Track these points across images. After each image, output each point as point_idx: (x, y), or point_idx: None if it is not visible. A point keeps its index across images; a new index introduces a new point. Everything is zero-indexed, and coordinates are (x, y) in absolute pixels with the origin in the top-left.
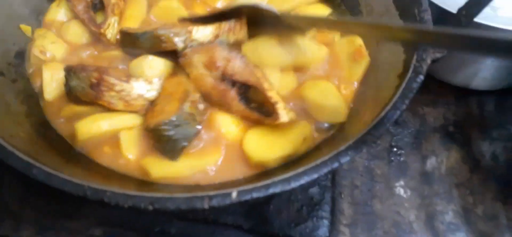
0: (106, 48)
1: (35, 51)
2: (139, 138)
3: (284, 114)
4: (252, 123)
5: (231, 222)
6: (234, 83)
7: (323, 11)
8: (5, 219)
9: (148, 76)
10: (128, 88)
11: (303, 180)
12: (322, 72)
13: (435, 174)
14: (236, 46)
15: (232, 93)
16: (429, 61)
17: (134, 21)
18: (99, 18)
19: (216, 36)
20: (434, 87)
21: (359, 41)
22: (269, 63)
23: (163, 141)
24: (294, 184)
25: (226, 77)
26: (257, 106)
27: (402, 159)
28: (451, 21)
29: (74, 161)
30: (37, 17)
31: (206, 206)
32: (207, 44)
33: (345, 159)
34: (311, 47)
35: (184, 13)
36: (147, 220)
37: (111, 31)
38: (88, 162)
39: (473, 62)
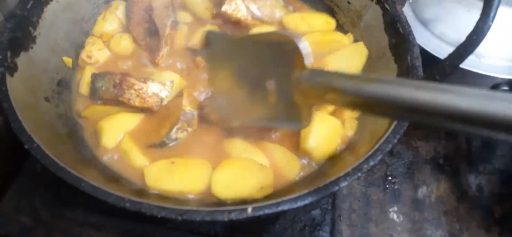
0: (144, 64)
1: (83, 54)
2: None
3: None
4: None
5: None
6: None
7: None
8: (37, 228)
9: (163, 80)
10: (145, 87)
11: (308, 200)
12: None
13: (425, 201)
14: None
15: None
16: None
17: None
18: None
19: None
20: None
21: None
22: None
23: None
24: (300, 203)
25: None
26: None
27: (396, 187)
28: (439, 67)
29: (109, 178)
30: (76, 50)
31: (226, 218)
32: None
33: (344, 183)
34: None
35: None
36: (164, 233)
37: (163, 59)
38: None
39: None
